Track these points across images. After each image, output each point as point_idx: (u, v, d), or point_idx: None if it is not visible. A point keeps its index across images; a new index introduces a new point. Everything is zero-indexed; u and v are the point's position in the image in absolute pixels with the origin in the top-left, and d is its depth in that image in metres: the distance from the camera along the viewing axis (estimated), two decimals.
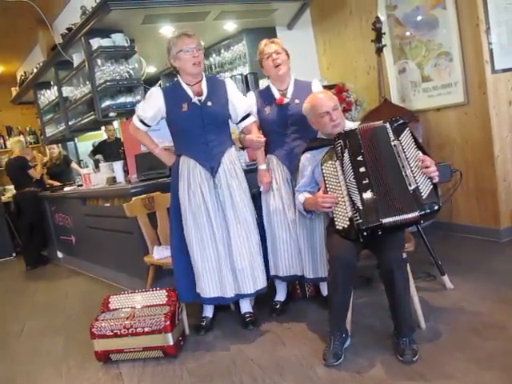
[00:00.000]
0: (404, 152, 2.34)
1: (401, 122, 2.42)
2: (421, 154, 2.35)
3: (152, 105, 2.91)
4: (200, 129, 2.86)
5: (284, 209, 3.01)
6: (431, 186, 2.29)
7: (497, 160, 3.80)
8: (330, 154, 2.49)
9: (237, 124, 3.04)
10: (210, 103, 2.87)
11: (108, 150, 6.15)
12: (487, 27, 3.67)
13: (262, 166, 3.05)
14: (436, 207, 2.25)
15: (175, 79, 2.99)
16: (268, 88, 3.11)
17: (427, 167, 2.28)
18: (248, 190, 3.00)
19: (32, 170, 6.30)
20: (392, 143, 2.37)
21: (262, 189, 3.06)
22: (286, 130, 3.01)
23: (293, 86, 3.05)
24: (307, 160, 2.74)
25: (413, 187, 2.27)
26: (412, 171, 2.30)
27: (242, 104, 2.99)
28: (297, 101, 2.97)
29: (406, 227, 2.43)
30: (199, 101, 2.86)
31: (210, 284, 2.91)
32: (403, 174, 2.30)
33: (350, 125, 2.68)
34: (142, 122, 2.95)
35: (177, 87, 2.93)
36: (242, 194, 2.93)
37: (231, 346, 2.79)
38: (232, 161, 2.94)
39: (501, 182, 3.83)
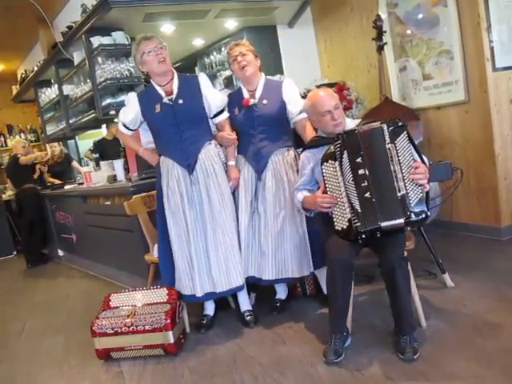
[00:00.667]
0: (398, 156, 2.30)
1: (399, 124, 2.35)
2: (417, 159, 2.33)
3: (130, 110, 3.00)
4: (174, 127, 2.90)
5: (248, 208, 3.03)
6: (421, 194, 2.27)
7: (498, 158, 3.79)
8: (329, 154, 2.46)
9: (211, 119, 3.04)
10: (181, 101, 2.89)
11: (108, 148, 6.13)
12: (488, 25, 3.66)
13: (231, 162, 3.07)
14: (423, 215, 2.25)
15: (150, 83, 3.03)
16: (239, 89, 3.13)
17: (417, 174, 2.26)
18: (227, 186, 3.01)
19: (21, 157, 6.28)
20: (386, 146, 2.32)
21: (230, 184, 3.03)
22: (253, 130, 3.02)
23: (262, 86, 3.04)
24: (307, 158, 2.73)
25: (401, 193, 2.26)
26: (403, 177, 2.27)
27: (215, 99, 2.99)
28: (264, 101, 2.98)
29: (404, 230, 2.41)
30: (170, 100, 2.89)
31: (185, 282, 2.93)
32: (394, 178, 2.27)
33: (350, 123, 2.66)
34: (124, 126, 3.06)
35: (150, 90, 2.99)
36: (219, 191, 2.94)
37: (232, 344, 2.79)
38: (210, 157, 2.94)
39: (501, 180, 3.82)
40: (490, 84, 3.72)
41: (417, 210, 2.25)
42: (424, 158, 2.39)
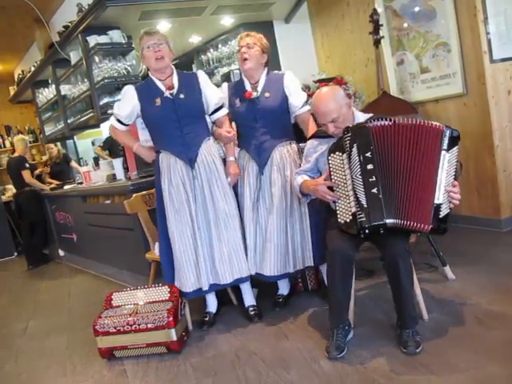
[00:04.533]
0: (447, 165, 2.28)
1: (456, 134, 2.31)
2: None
3: (127, 103, 2.95)
4: (175, 122, 2.89)
5: (252, 204, 3.02)
6: (448, 210, 2.29)
7: (497, 150, 3.79)
8: (338, 146, 2.43)
9: (209, 116, 3.03)
10: (182, 96, 2.89)
11: (117, 145, 6.12)
12: (485, 17, 3.65)
13: (230, 158, 3.06)
14: (444, 228, 2.28)
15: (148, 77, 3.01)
16: (241, 81, 3.09)
17: (456, 192, 2.28)
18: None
19: (26, 171, 6.17)
20: (442, 152, 2.27)
21: (229, 180, 3.02)
22: (255, 123, 2.99)
23: (264, 79, 3.01)
24: (313, 146, 2.71)
25: (438, 202, 2.26)
26: (445, 188, 2.27)
27: (213, 96, 2.98)
28: (267, 94, 2.96)
29: (410, 231, 2.41)
30: (171, 94, 2.88)
31: (189, 279, 2.93)
32: (436, 185, 2.26)
33: (360, 117, 2.59)
34: (118, 121, 3.00)
35: (149, 83, 2.96)
36: (221, 187, 2.94)
37: (235, 341, 2.80)
38: (211, 153, 2.95)
39: (501, 171, 3.82)
40: (487, 76, 3.72)
41: (442, 223, 2.27)
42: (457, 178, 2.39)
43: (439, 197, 2.26)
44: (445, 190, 2.27)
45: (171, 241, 2.96)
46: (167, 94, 2.88)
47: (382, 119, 2.37)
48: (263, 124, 2.98)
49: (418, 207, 2.27)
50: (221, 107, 3.02)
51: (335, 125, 2.51)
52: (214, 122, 3.09)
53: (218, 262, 2.93)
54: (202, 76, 3.00)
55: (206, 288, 2.94)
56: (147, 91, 2.93)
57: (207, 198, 2.91)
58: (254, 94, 2.98)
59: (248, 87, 3.02)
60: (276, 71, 3.15)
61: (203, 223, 2.92)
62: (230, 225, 2.95)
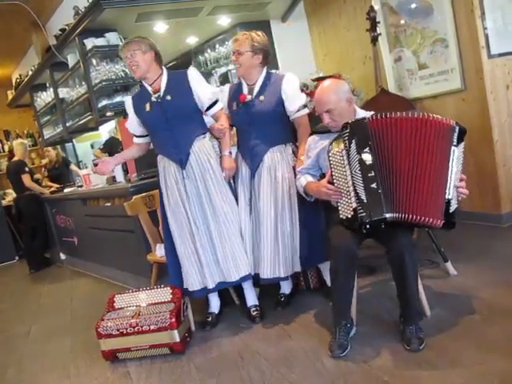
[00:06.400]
0: (456, 160, 2.31)
1: (463, 129, 2.35)
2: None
3: (130, 116, 3.07)
4: (164, 124, 2.90)
5: (248, 206, 3.02)
6: (457, 205, 2.31)
7: (496, 145, 3.79)
8: (337, 142, 2.44)
9: (205, 112, 3.02)
10: (169, 97, 2.89)
11: (118, 147, 6.12)
12: (482, 12, 3.65)
13: (225, 152, 3.04)
14: (454, 223, 2.29)
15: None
16: (240, 83, 3.08)
17: (463, 187, 2.32)
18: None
19: (26, 175, 6.15)
20: (452, 147, 2.30)
21: (224, 175, 3.00)
22: (249, 127, 2.99)
23: (261, 82, 2.99)
24: (314, 142, 2.72)
25: (448, 197, 2.27)
26: (453, 183, 2.29)
27: (205, 92, 2.95)
28: (261, 98, 2.94)
29: (409, 225, 2.40)
30: (157, 97, 2.89)
31: (193, 277, 2.94)
32: (447, 180, 2.28)
33: (362, 114, 2.60)
34: (137, 137, 3.12)
35: (142, 90, 3.02)
36: (217, 185, 2.93)
37: (238, 341, 2.80)
38: (205, 151, 2.93)
39: (501, 166, 3.82)
40: (485, 71, 3.71)
41: (452, 217, 2.28)
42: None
43: (450, 192, 2.27)
44: (454, 185, 2.29)
45: (174, 242, 2.98)
46: (153, 98, 2.90)
47: (382, 115, 2.37)
48: (257, 128, 2.97)
49: (429, 202, 2.26)
50: (215, 102, 2.99)
51: (330, 116, 2.55)
52: (212, 117, 3.08)
53: (221, 259, 2.93)
54: (191, 74, 2.96)
55: (211, 286, 2.93)
56: (140, 98, 2.99)
57: (203, 197, 2.90)
58: (248, 98, 2.97)
59: (245, 89, 3.02)
60: (274, 70, 3.13)
61: (201, 222, 2.91)
62: (229, 221, 2.95)
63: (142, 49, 2.86)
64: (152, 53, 2.90)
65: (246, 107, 2.98)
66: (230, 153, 3.07)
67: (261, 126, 2.96)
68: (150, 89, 2.93)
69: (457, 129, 2.32)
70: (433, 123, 2.30)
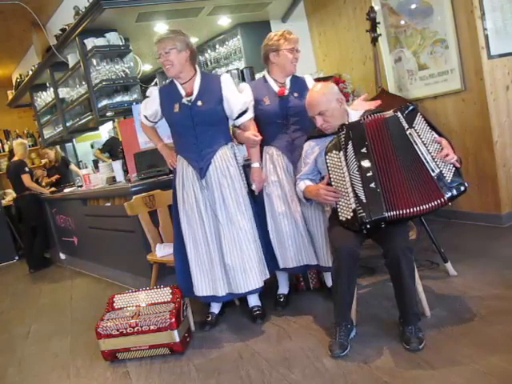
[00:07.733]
0: (420, 138, 2.32)
1: (411, 108, 2.38)
2: (436, 135, 2.35)
3: (150, 105, 2.96)
4: (191, 129, 2.84)
5: (287, 200, 2.97)
6: (453, 168, 2.30)
7: (496, 145, 3.80)
8: (334, 144, 2.46)
9: (234, 120, 2.97)
10: (200, 103, 2.81)
11: (118, 147, 6.13)
12: (482, 13, 3.65)
13: (256, 164, 2.97)
14: (462, 188, 2.28)
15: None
16: (264, 79, 3.06)
17: (446, 155, 2.28)
18: (243, 188, 2.93)
19: (26, 175, 6.13)
20: (407, 132, 2.33)
21: (253, 187, 2.97)
22: (287, 121, 2.97)
23: (290, 79, 3.01)
24: (310, 148, 2.73)
25: (436, 172, 2.27)
26: (432, 157, 2.29)
27: (237, 101, 2.87)
28: (295, 94, 2.96)
29: (411, 219, 2.42)
30: (189, 101, 2.82)
31: (203, 282, 2.91)
32: (424, 161, 2.29)
33: (354, 114, 2.64)
34: (145, 117, 3.02)
35: (172, 86, 2.92)
36: (233, 193, 2.87)
37: (237, 341, 2.80)
38: (226, 159, 2.88)
39: (501, 167, 3.82)
40: (485, 72, 3.72)
41: (454, 184, 2.27)
42: (442, 133, 2.40)
43: (434, 168, 2.28)
44: (435, 158, 2.29)
45: (185, 244, 2.93)
46: (185, 100, 2.83)
47: (375, 114, 2.42)
48: (295, 121, 2.97)
49: (422, 190, 2.27)
50: (245, 111, 2.91)
51: (324, 118, 2.58)
52: (238, 126, 3.00)
53: (231, 270, 2.86)
54: (225, 80, 2.88)
55: (220, 295, 2.90)
56: (168, 95, 2.90)
57: (217, 204, 2.85)
58: (286, 92, 2.97)
59: (274, 85, 3.00)
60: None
61: (214, 230, 2.87)
62: (242, 232, 2.87)
63: (177, 47, 2.77)
64: (187, 52, 2.82)
65: (283, 101, 2.97)
66: (259, 164, 3.00)
67: (298, 119, 2.97)
68: (181, 88, 2.86)
69: (399, 114, 2.37)
70: (379, 121, 2.39)
